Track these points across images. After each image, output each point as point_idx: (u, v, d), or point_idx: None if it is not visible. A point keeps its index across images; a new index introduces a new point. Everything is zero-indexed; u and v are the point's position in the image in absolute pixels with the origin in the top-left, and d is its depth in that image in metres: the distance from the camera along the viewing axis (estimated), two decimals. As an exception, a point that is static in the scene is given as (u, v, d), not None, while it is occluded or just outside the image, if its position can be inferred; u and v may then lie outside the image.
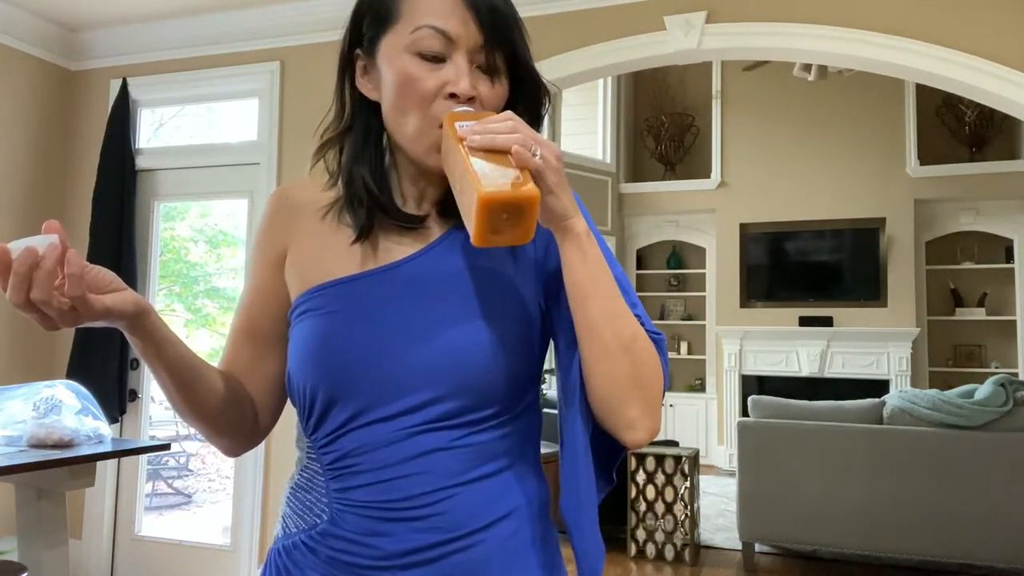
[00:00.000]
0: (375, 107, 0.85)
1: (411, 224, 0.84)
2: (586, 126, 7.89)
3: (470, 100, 0.78)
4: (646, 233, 8.24)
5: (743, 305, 7.44)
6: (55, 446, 2.29)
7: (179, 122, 4.15)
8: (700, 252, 8.10)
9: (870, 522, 3.97)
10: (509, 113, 0.73)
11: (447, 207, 0.84)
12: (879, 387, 6.83)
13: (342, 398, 0.79)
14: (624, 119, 8.17)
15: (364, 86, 0.86)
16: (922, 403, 4.02)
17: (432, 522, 0.75)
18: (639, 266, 8.25)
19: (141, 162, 3.87)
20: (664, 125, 8.04)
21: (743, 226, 7.51)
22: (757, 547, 4.32)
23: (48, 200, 3.90)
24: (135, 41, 3.83)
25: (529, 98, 0.85)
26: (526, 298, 0.83)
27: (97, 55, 3.94)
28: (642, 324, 0.79)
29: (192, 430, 0.80)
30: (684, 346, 8.07)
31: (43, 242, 0.66)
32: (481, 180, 0.67)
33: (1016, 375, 6.60)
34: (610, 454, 0.83)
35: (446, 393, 0.77)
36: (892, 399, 4.21)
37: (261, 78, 3.67)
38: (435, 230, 0.86)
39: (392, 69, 0.80)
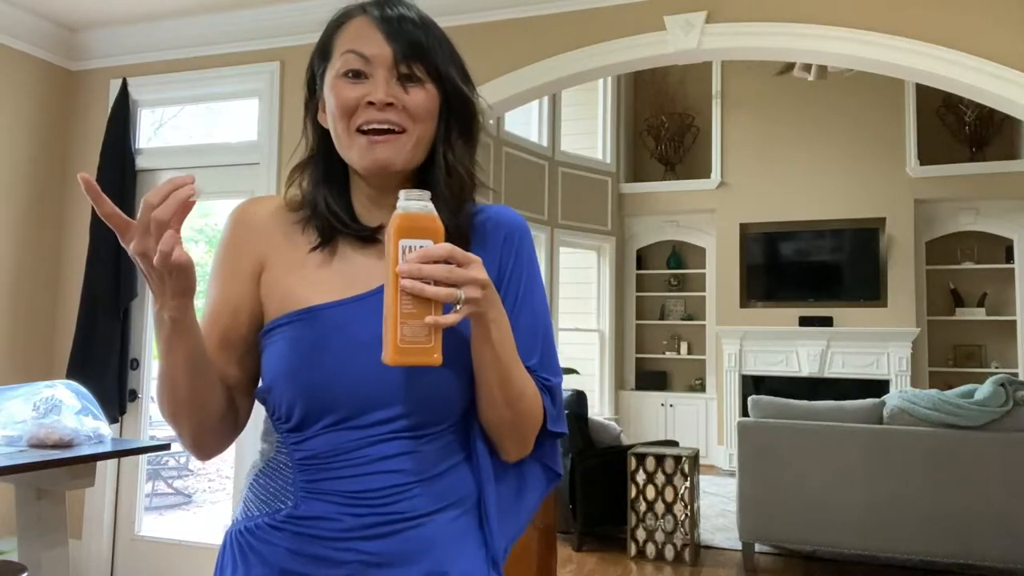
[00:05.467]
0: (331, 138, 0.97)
1: (365, 234, 0.95)
2: (586, 126, 7.88)
3: (389, 106, 0.90)
4: (646, 233, 8.23)
5: (743, 305, 7.44)
6: (55, 446, 2.29)
7: (179, 122, 4.15)
8: (700, 252, 8.10)
9: (870, 522, 3.97)
10: (447, 249, 0.79)
11: None
12: (879, 387, 6.83)
13: (318, 411, 0.89)
14: (624, 119, 8.16)
15: (322, 119, 0.97)
16: (922, 403, 4.02)
17: (392, 508, 0.88)
18: (639, 266, 8.26)
19: (141, 162, 3.87)
20: (664, 125, 8.04)
21: (743, 226, 7.51)
22: (757, 547, 4.32)
23: (48, 200, 3.90)
24: (135, 41, 3.83)
25: (459, 113, 0.96)
26: None
27: (97, 55, 3.94)
28: (534, 372, 0.95)
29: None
30: (684, 346, 8.07)
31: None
32: (398, 341, 0.78)
33: (1016, 375, 6.60)
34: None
35: (412, 409, 0.90)
36: (892, 399, 4.20)
37: (261, 78, 3.67)
38: None
39: (329, 92, 0.93)
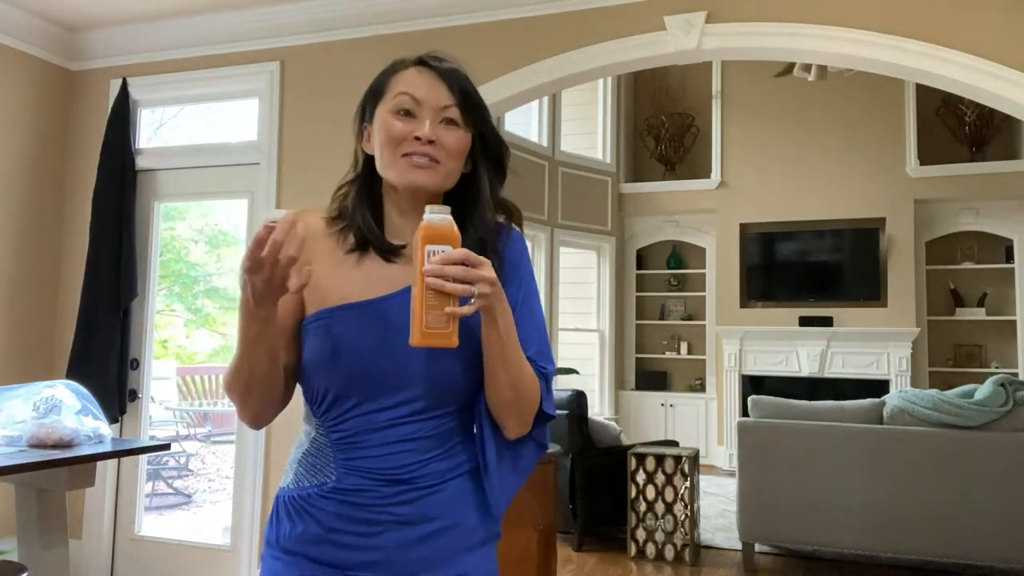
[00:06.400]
0: (374, 163, 1.17)
1: (391, 249, 1.15)
2: (586, 126, 7.88)
3: (431, 143, 1.10)
4: (646, 233, 8.24)
5: (743, 305, 7.44)
6: (55, 446, 2.29)
7: (179, 122, 4.15)
8: (700, 252, 8.10)
9: (870, 522, 3.97)
10: (463, 254, 0.98)
11: None
12: (879, 387, 6.83)
13: (346, 393, 1.10)
14: (624, 119, 8.16)
15: (366, 145, 1.19)
16: (922, 403, 4.02)
17: (415, 481, 1.10)
18: (639, 266, 8.26)
19: (141, 162, 3.87)
20: (664, 125, 8.04)
21: (743, 226, 7.51)
22: (757, 547, 4.32)
23: (48, 200, 3.90)
24: (135, 41, 3.83)
25: (492, 151, 1.20)
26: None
27: (97, 55, 3.94)
28: (533, 361, 1.13)
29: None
30: (684, 346, 8.07)
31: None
32: (424, 327, 0.98)
33: (1016, 375, 6.60)
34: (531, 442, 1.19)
35: (420, 395, 1.10)
36: (892, 399, 4.20)
37: (261, 78, 3.67)
38: None
39: (379, 124, 1.15)
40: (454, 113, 1.13)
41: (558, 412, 4.61)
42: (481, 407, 1.14)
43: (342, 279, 1.14)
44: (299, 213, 1.14)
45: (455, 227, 1.00)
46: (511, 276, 1.16)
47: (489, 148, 1.20)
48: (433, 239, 0.99)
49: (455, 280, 0.97)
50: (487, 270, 0.99)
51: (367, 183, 1.19)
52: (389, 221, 1.19)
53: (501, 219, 1.21)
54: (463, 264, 0.98)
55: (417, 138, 1.10)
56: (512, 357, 1.08)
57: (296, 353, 1.16)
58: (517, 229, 1.23)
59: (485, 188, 1.18)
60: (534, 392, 1.13)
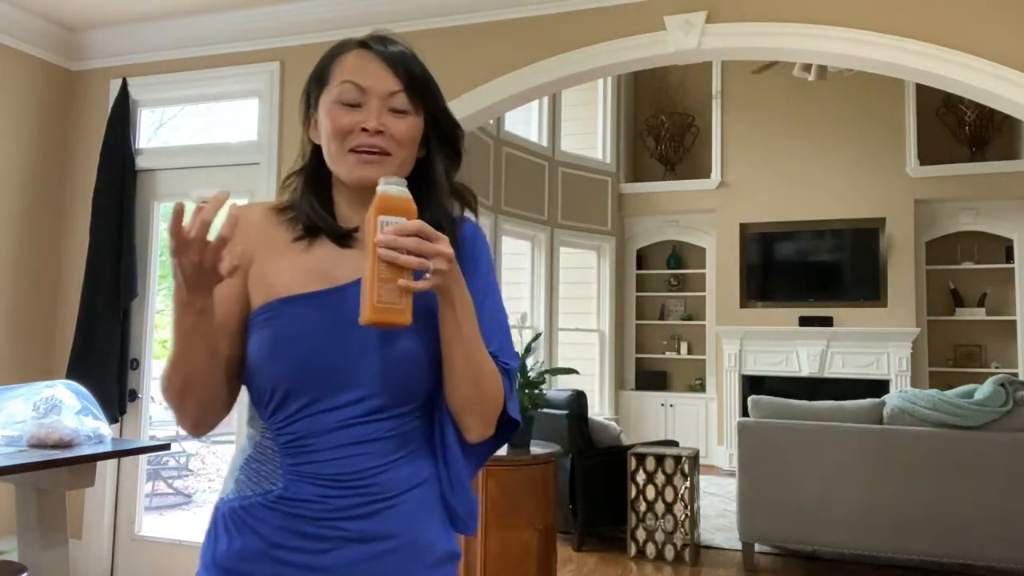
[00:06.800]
0: (321, 151, 1.10)
1: (342, 235, 1.08)
2: (586, 126, 7.88)
3: (379, 134, 1.03)
4: (646, 233, 8.24)
5: (743, 305, 7.44)
6: (55, 446, 2.29)
7: (179, 122, 4.15)
8: (700, 252, 8.10)
9: (870, 522, 3.97)
10: (418, 225, 0.92)
11: None
12: (879, 387, 6.83)
13: (296, 392, 1.01)
14: (624, 119, 8.16)
15: (313, 134, 1.11)
16: (922, 403, 4.02)
17: (370, 489, 1.00)
18: (639, 266, 8.26)
19: (141, 162, 3.87)
20: (664, 125, 8.04)
21: (743, 226, 7.51)
22: (757, 547, 4.32)
23: (48, 200, 3.90)
24: (135, 41, 3.83)
25: (446, 135, 1.12)
26: None
27: (97, 55, 3.94)
28: (496, 357, 1.06)
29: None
30: (684, 346, 8.07)
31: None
32: (375, 301, 0.91)
33: (1016, 375, 6.60)
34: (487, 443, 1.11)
35: (376, 392, 1.01)
36: (892, 399, 4.20)
37: (261, 78, 3.67)
38: None
39: (324, 115, 1.07)
40: (402, 100, 1.05)
41: (558, 412, 4.62)
42: (440, 412, 1.06)
43: (290, 270, 1.06)
44: (242, 207, 1.10)
45: (411, 200, 0.94)
46: (470, 269, 1.07)
47: (443, 131, 1.12)
48: (387, 210, 0.93)
49: (409, 253, 0.91)
50: (444, 245, 0.93)
51: (315, 172, 1.12)
52: (339, 212, 1.11)
53: (456, 208, 1.13)
54: (418, 237, 0.91)
55: (364, 130, 1.03)
56: (472, 347, 1.01)
57: (241, 351, 1.07)
58: (474, 220, 1.16)
59: (440, 174, 1.11)
60: (497, 389, 1.05)
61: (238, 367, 1.07)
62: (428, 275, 0.93)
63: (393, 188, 0.94)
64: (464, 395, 1.03)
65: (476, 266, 1.11)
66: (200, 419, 1.05)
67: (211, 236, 0.89)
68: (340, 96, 1.05)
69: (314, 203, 1.09)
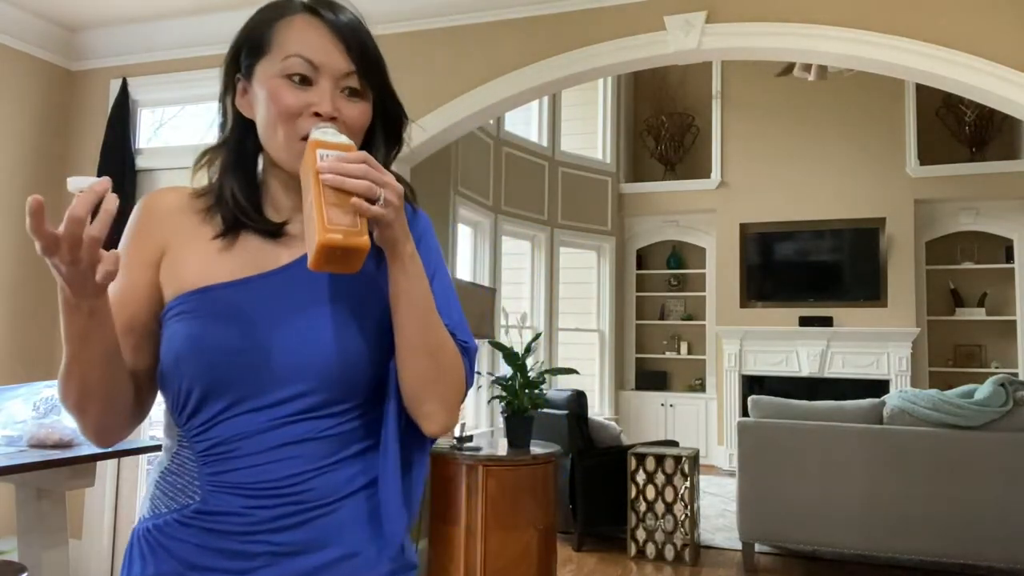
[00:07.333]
0: (251, 125, 0.96)
1: (269, 229, 0.95)
2: (586, 126, 7.88)
3: (332, 119, 0.90)
4: (646, 233, 8.24)
5: (743, 305, 7.44)
6: (55, 446, 2.29)
7: (179, 122, 4.15)
8: (700, 252, 8.10)
9: (870, 522, 3.97)
10: (363, 155, 0.83)
11: None
12: (879, 387, 6.83)
13: (216, 392, 0.89)
14: (624, 119, 8.16)
15: (243, 105, 0.97)
16: (922, 403, 4.02)
17: (301, 496, 0.88)
18: (639, 266, 8.26)
19: (141, 162, 3.87)
20: (664, 125, 8.04)
21: (743, 226, 7.51)
22: (757, 547, 4.32)
23: (48, 200, 3.87)
24: (135, 41, 3.83)
25: (390, 120, 1.00)
26: (386, 301, 0.93)
27: (97, 55, 3.94)
28: (454, 334, 0.95)
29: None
30: (684, 346, 8.07)
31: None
32: (327, 223, 0.78)
33: (1016, 375, 6.60)
34: (420, 442, 0.98)
35: (315, 387, 0.89)
36: (892, 399, 4.20)
37: (261, 78, 3.66)
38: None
39: (265, 90, 0.92)
40: (355, 81, 0.93)
41: (558, 412, 4.62)
42: (389, 408, 0.93)
43: (207, 260, 0.94)
44: (156, 192, 1.01)
45: (353, 146, 0.86)
46: (422, 250, 0.97)
47: (390, 116, 1.00)
48: (325, 146, 0.84)
49: (356, 178, 0.81)
50: (393, 180, 0.84)
51: (239, 148, 0.98)
52: (269, 195, 0.99)
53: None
54: (365, 165, 0.82)
55: (317, 114, 0.90)
56: (426, 312, 0.90)
57: (151, 356, 0.95)
58: (420, 208, 1.05)
59: (384, 162, 0.99)
60: (457, 367, 0.94)
61: (151, 372, 0.95)
62: (380, 204, 0.82)
63: (330, 133, 0.86)
64: (421, 372, 0.90)
65: (426, 248, 1.00)
66: (105, 428, 0.92)
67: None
68: (287, 70, 0.91)
69: (236, 191, 0.96)
